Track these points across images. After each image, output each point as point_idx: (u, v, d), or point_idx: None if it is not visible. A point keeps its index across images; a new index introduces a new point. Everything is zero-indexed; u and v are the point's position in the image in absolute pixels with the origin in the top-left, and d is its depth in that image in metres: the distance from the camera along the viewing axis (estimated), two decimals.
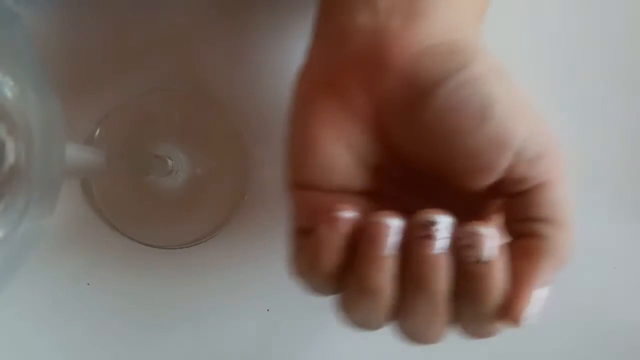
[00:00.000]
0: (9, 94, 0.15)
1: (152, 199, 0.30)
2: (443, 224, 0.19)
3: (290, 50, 0.30)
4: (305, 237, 0.22)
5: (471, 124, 0.19)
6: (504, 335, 0.30)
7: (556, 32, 0.31)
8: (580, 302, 0.30)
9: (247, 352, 0.30)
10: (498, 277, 0.19)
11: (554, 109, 0.31)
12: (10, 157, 0.15)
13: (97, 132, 0.30)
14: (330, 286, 0.21)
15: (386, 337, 0.30)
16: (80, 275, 0.30)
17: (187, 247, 0.30)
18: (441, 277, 0.19)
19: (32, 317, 0.30)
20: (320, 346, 0.30)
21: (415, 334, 0.20)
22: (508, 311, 0.19)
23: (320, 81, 0.22)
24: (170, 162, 0.28)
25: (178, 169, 0.29)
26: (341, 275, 0.20)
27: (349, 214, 0.20)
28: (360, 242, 0.19)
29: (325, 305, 0.30)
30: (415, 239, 0.19)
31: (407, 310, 0.20)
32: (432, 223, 0.19)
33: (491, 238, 0.19)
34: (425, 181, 0.22)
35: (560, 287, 0.30)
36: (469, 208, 0.21)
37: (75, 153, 0.21)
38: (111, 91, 0.30)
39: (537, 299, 0.20)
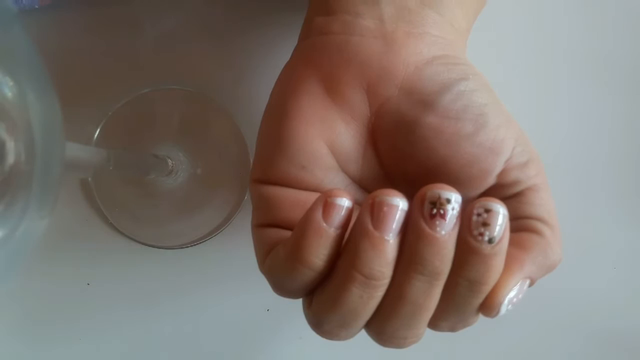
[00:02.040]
0: (8, 93, 0.15)
1: (152, 199, 0.30)
2: (455, 201, 0.18)
3: (291, 50, 0.30)
4: (274, 230, 0.21)
5: (469, 131, 0.20)
6: (503, 335, 0.30)
7: (556, 31, 0.31)
8: (580, 302, 0.30)
9: (247, 352, 0.30)
10: (501, 261, 0.18)
11: (555, 109, 0.31)
12: (10, 157, 0.15)
13: (97, 132, 0.30)
14: (311, 283, 0.19)
15: None
16: (80, 275, 0.30)
17: (187, 247, 0.30)
18: (445, 260, 0.18)
19: (31, 316, 0.30)
20: (320, 346, 0.30)
21: (400, 330, 0.19)
22: (488, 296, 0.19)
23: (312, 72, 0.21)
24: (170, 162, 0.28)
25: (178, 169, 0.29)
26: (327, 268, 0.19)
27: (346, 202, 0.18)
28: (359, 224, 0.18)
29: None
30: (422, 218, 0.17)
31: (398, 300, 0.19)
32: (447, 200, 0.17)
33: (503, 216, 0.18)
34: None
35: (561, 287, 0.30)
36: None
37: (75, 153, 0.21)
38: (111, 91, 0.30)
39: (518, 290, 0.19)
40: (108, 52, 0.30)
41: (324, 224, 0.18)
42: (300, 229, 0.19)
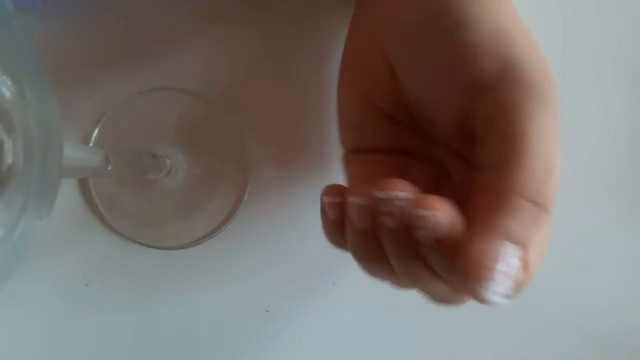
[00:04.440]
0: (7, 93, 0.15)
1: (151, 199, 0.30)
2: (396, 200, 0.18)
3: (290, 49, 0.30)
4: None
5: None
6: (504, 337, 0.30)
7: (556, 30, 0.31)
8: (580, 303, 0.30)
9: (246, 353, 0.30)
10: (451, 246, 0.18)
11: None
12: (8, 157, 0.15)
13: (96, 132, 0.30)
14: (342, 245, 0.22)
15: (385, 339, 0.30)
16: (79, 276, 0.30)
17: (186, 247, 0.30)
18: (402, 249, 0.19)
19: (30, 317, 0.30)
20: (320, 348, 0.30)
21: (427, 293, 0.21)
22: (467, 269, 0.17)
23: (348, 43, 0.25)
24: (169, 162, 0.28)
25: (177, 169, 0.29)
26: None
27: (332, 199, 0.21)
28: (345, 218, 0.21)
29: (324, 307, 0.30)
30: (377, 213, 0.19)
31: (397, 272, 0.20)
32: (386, 200, 0.19)
33: (440, 214, 0.17)
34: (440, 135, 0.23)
35: (560, 287, 0.30)
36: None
37: (74, 153, 0.21)
38: (110, 90, 0.29)
39: (505, 257, 0.17)
40: (106, 52, 0.30)
41: (326, 217, 0.22)
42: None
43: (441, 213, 0.18)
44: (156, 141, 0.30)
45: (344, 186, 0.22)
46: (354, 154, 0.25)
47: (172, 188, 0.30)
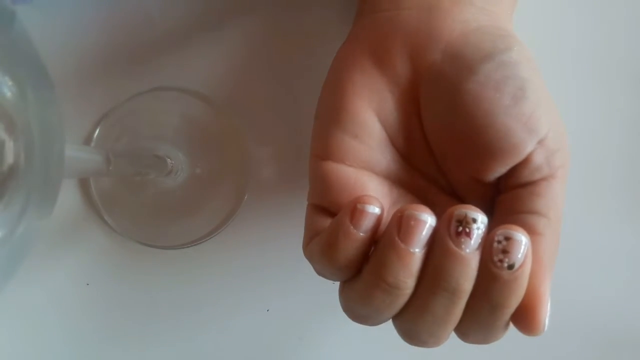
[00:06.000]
0: (8, 93, 0.15)
1: (152, 198, 0.30)
2: (481, 222, 0.18)
3: (291, 50, 0.30)
4: (322, 216, 0.22)
5: (507, 102, 0.20)
6: (504, 337, 0.30)
7: (555, 30, 0.31)
8: (579, 302, 0.30)
9: (247, 352, 0.30)
10: (523, 285, 0.19)
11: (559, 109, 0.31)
12: (9, 157, 0.15)
13: (97, 132, 0.30)
14: (343, 276, 0.21)
15: (385, 338, 0.30)
16: (80, 276, 0.30)
17: (187, 247, 0.30)
18: (468, 278, 0.18)
19: (31, 317, 0.30)
20: (320, 347, 0.30)
21: (421, 335, 0.20)
22: (528, 319, 0.19)
23: (363, 48, 0.22)
24: (169, 162, 0.28)
25: (178, 169, 0.29)
26: (357, 267, 0.20)
27: (374, 209, 0.19)
28: (387, 235, 0.19)
29: (324, 307, 0.30)
30: (448, 235, 0.18)
31: (420, 309, 0.19)
32: (473, 220, 0.18)
33: (524, 245, 0.18)
34: (440, 174, 0.23)
35: (559, 287, 0.30)
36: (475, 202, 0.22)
37: (75, 153, 0.21)
38: (111, 91, 0.29)
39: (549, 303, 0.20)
40: (108, 52, 0.30)
41: (353, 229, 0.19)
42: (331, 230, 0.20)
43: (527, 240, 0.19)
44: (157, 141, 0.30)
45: (376, 198, 0.20)
46: (333, 163, 0.22)
47: (172, 188, 0.30)
